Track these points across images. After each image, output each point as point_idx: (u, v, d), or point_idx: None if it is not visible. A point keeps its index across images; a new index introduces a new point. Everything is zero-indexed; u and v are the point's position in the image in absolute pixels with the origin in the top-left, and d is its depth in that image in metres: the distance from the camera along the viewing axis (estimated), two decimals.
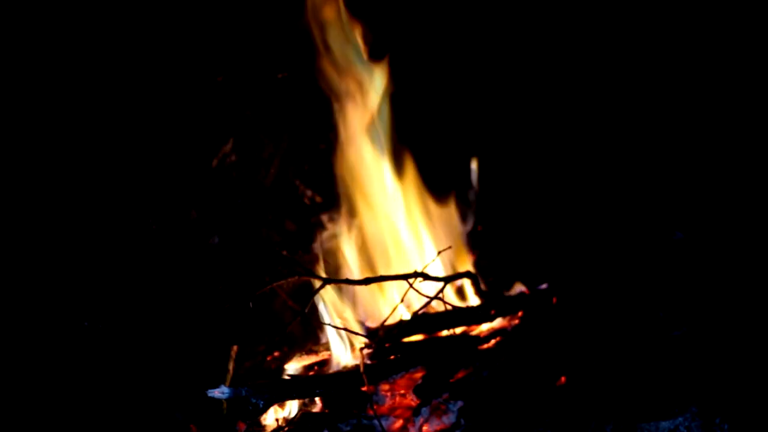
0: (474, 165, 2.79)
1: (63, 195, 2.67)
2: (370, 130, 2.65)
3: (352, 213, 2.67)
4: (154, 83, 2.81)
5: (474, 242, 2.69)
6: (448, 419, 2.00)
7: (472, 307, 2.38)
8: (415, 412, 2.04)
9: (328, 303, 2.38)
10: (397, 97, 2.71)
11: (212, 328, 2.40)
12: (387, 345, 2.20)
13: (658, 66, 2.87)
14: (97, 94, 2.73)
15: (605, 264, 2.59)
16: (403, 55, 2.87)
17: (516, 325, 2.37)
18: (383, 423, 2.02)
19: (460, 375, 2.15)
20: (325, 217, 2.89)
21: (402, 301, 2.24)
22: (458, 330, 2.32)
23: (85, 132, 2.72)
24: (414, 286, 2.16)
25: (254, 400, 1.99)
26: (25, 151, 2.63)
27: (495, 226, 2.83)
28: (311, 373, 2.28)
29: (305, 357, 2.30)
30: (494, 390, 2.05)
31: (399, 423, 2.04)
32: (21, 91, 2.63)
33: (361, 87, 2.66)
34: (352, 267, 2.58)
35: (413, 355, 2.21)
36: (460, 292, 2.53)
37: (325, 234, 2.80)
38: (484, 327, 2.41)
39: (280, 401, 2.09)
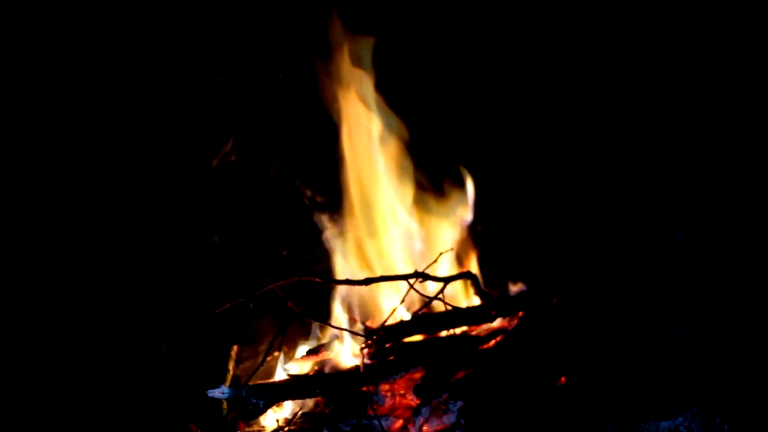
0: (474, 166, 2.79)
1: (63, 195, 2.67)
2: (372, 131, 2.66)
3: (352, 214, 2.67)
4: (154, 83, 2.81)
5: (474, 242, 2.69)
6: (448, 419, 2.00)
7: (472, 308, 2.37)
8: (415, 412, 2.04)
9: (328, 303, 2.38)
10: (395, 97, 2.72)
11: (212, 328, 2.40)
12: (387, 345, 2.20)
13: (658, 67, 2.88)
14: (98, 94, 2.73)
15: (605, 264, 2.59)
16: (401, 54, 2.88)
17: (516, 325, 2.37)
18: (383, 423, 2.02)
19: (460, 375, 2.15)
20: (325, 217, 2.89)
21: (402, 301, 2.24)
22: (458, 330, 2.32)
23: (86, 132, 2.72)
24: (414, 286, 2.16)
25: (254, 400, 1.99)
26: (25, 151, 2.63)
27: (495, 226, 2.83)
28: (311, 373, 2.28)
29: (305, 358, 2.30)
30: (494, 390, 2.05)
31: (399, 423, 2.04)
32: (22, 92, 2.63)
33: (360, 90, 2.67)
34: (353, 267, 2.58)
35: (413, 355, 2.21)
36: (461, 292, 2.53)
37: (326, 234, 2.80)
38: (484, 327, 2.41)
39: (280, 401, 2.09)
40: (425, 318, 2.29)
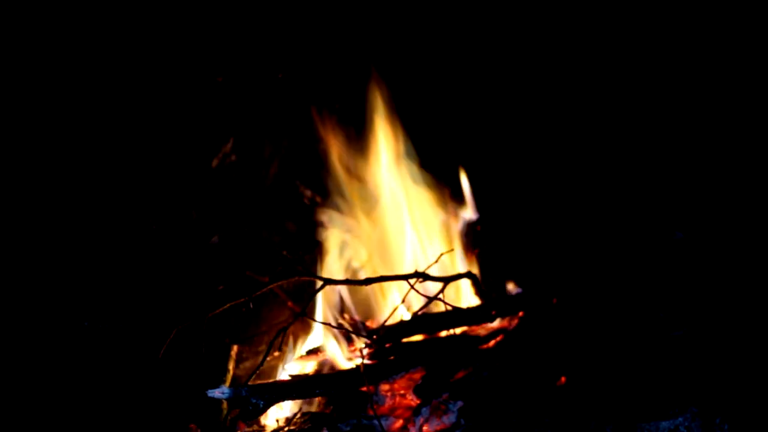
0: (474, 166, 2.79)
1: (64, 196, 2.67)
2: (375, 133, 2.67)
3: (352, 214, 2.67)
4: (155, 84, 2.81)
5: (474, 242, 2.69)
6: (448, 419, 2.01)
7: (472, 308, 2.37)
8: (415, 412, 2.04)
9: (329, 303, 2.38)
10: (398, 98, 2.72)
11: (212, 328, 2.40)
12: (387, 345, 2.20)
13: (658, 68, 2.88)
14: (98, 94, 2.73)
15: (605, 264, 2.59)
16: (403, 57, 2.88)
17: (516, 325, 2.37)
18: (383, 423, 2.02)
19: (460, 375, 2.15)
20: (325, 217, 2.89)
21: (403, 301, 2.24)
22: (458, 330, 2.32)
23: (86, 133, 2.72)
24: (414, 286, 2.16)
25: (254, 400, 1.99)
26: (26, 152, 2.63)
27: (495, 227, 2.83)
28: (311, 373, 2.28)
29: (305, 358, 2.30)
30: (494, 390, 2.05)
31: (399, 423, 2.04)
32: (22, 92, 2.63)
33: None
34: (353, 267, 2.58)
35: (413, 355, 2.21)
36: (461, 292, 2.53)
37: (326, 234, 2.80)
38: (484, 327, 2.41)
39: (280, 401, 2.09)
40: (425, 318, 2.29)
